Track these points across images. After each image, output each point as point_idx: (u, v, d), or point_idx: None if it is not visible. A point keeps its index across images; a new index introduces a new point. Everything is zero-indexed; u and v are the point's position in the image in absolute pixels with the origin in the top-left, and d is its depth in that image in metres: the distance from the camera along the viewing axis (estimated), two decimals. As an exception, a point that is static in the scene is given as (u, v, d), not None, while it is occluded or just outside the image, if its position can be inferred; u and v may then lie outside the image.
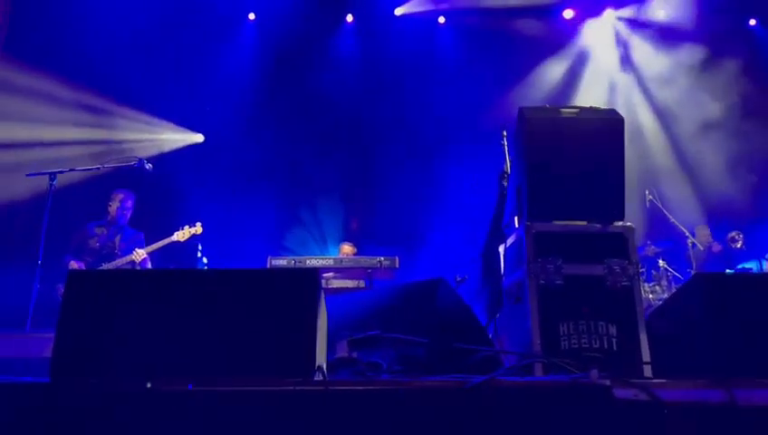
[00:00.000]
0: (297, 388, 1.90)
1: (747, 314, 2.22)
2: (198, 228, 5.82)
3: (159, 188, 6.79)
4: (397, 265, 5.90)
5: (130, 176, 5.66)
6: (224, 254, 7.22)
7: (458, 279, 6.00)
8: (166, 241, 5.70)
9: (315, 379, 1.98)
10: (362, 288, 5.74)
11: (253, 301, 2.04)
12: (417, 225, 7.87)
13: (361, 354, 2.47)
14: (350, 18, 9.02)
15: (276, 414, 1.88)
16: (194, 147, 7.89)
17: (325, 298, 3.43)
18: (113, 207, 5.73)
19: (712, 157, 8.25)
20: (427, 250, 7.66)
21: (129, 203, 5.79)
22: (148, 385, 1.88)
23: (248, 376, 1.97)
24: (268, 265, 5.73)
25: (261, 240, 7.59)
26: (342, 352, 2.50)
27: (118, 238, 5.68)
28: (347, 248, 7.39)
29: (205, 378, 1.94)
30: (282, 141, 8.31)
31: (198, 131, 8.33)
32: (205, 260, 6.13)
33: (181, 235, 5.71)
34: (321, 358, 2.18)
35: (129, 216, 5.81)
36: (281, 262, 5.47)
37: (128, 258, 5.52)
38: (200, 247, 6.02)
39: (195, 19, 8.04)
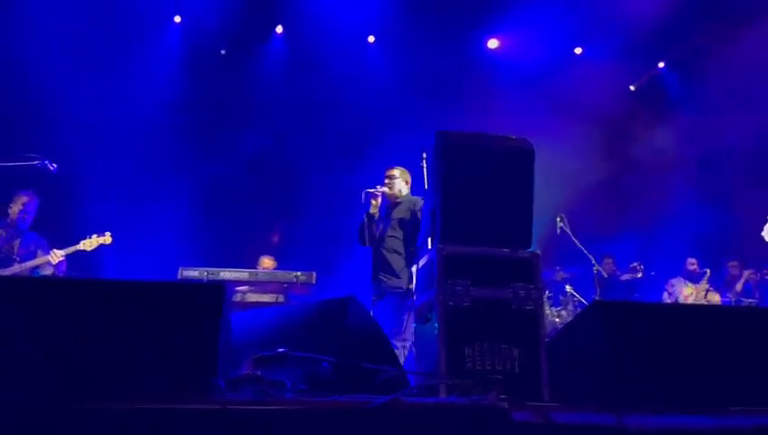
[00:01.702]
0: (194, 406, 1.83)
1: (641, 342, 2.33)
2: (108, 238, 5.56)
3: (64, 190, 6.44)
4: (314, 281, 5.85)
5: (32, 176, 5.32)
6: (133, 262, 6.93)
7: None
8: (72, 249, 5.41)
9: (214, 397, 1.92)
10: (281, 303, 5.66)
11: (153, 314, 1.95)
12: (339, 240, 7.83)
13: (266, 372, 2.41)
14: (279, 29, 8.96)
15: (172, 433, 1.80)
16: (106, 149, 7.54)
17: (237, 313, 3.35)
18: (14, 209, 5.37)
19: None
20: (347, 266, 7.64)
21: (33, 206, 5.44)
22: (37, 401, 1.76)
23: (144, 393, 1.88)
24: (179, 276, 5.55)
25: (174, 249, 7.33)
26: (247, 369, 2.44)
27: (17, 243, 5.32)
28: (267, 262, 7.26)
29: (99, 394, 1.84)
30: (204, 149, 8.11)
31: (117, 132, 8.00)
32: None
33: (88, 244, 5.44)
34: (223, 376, 2.11)
35: (30, 220, 5.47)
36: (192, 273, 5.30)
37: (42, 259, 5.22)
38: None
39: (116, 18, 7.76)
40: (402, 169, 5.34)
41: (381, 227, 5.13)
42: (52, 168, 5.12)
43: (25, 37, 7.07)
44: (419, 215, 4.88)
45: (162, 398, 1.85)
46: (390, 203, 5.24)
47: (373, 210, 5.12)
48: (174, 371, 1.92)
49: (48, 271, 5.25)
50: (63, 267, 5.32)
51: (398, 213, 5.10)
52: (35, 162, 5.09)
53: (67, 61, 7.31)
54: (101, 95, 7.61)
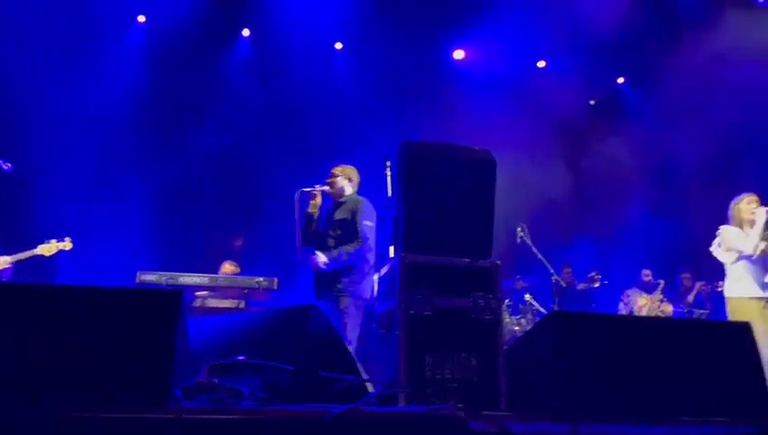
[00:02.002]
0: (149, 415, 1.80)
1: (596, 352, 2.39)
2: (68, 244, 5.42)
3: (18, 191, 6.25)
4: (275, 287, 5.81)
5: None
6: (90, 265, 6.76)
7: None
8: (28, 253, 5.24)
9: (169, 406, 1.89)
10: (242, 309, 5.59)
11: (108, 321, 1.91)
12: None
13: (223, 381, 2.38)
14: (246, 33, 8.90)
15: (125, 443, 1.76)
16: (64, 149, 7.35)
17: (195, 320, 3.30)
18: None
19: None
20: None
21: None
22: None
23: (99, 402, 1.84)
24: (137, 280, 5.44)
25: (134, 252, 7.19)
26: (203, 377, 2.41)
27: None
28: (228, 267, 7.16)
29: (50, 403, 1.79)
30: (166, 151, 7.98)
31: (77, 132, 7.82)
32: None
33: (47, 249, 5.28)
34: (179, 384, 2.08)
35: None
36: (151, 277, 5.20)
37: None
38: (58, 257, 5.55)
39: (78, 17, 7.59)
40: (345, 166, 5.14)
41: (323, 227, 4.96)
42: (5, 167, 4.97)
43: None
44: (359, 217, 4.70)
45: (117, 407, 1.82)
46: (334, 202, 5.04)
47: (312, 210, 4.96)
48: (129, 379, 1.88)
49: None
50: (9, 274, 5.13)
51: (339, 213, 4.90)
52: (-12, 162, 4.94)
53: (26, 59, 7.13)
54: (61, 94, 7.42)
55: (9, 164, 5.01)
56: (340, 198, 4.98)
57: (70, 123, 7.47)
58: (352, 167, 5.14)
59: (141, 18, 8.39)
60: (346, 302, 4.60)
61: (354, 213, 4.78)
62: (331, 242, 4.79)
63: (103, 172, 7.58)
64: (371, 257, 4.82)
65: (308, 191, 4.92)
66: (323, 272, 4.72)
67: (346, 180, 5.02)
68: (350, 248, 4.65)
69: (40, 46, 7.32)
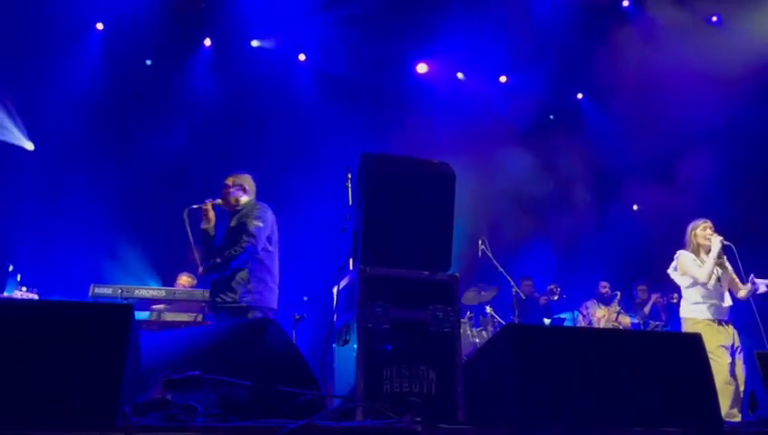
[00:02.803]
0: (97, 434, 1.74)
1: (550, 364, 2.41)
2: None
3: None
4: (236, 300, 5.71)
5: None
6: (44, 278, 6.55)
7: (297, 317, 5.95)
8: None
9: (118, 424, 1.83)
10: (199, 323, 5.48)
11: (56, 337, 1.84)
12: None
13: (177, 396, 2.32)
14: (207, 42, 8.82)
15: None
16: (18, 157, 7.13)
17: (149, 334, 3.22)
18: None
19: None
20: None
21: None
22: None
23: (42, 422, 1.77)
24: (90, 294, 5.28)
25: (88, 265, 7.00)
26: (157, 393, 2.34)
27: None
28: (185, 279, 7.01)
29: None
30: (123, 160, 7.80)
31: (32, 140, 7.62)
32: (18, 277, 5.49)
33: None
34: (129, 401, 2.02)
35: None
36: (105, 290, 5.05)
37: None
38: (11, 267, 5.37)
39: (37, 23, 7.41)
40: (238, 175, 4.90)
41: (220, 240, 4.70)
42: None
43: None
44: (249, 219, 4.50)
45: (64, 425, 1.75)
46: (231, 212, 4.78)
47: (205, 226, 4.70)
48: (77, 396, 1.81)
49: None
50: None
51: (234, 222, 4.65)
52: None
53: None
54: (17, 102, 7.23)
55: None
56: (236, 207, 4.76)
57: (22, 130, 7.26)
58: (246, 175, 4.94)
59: (99, 26, 8.24)
60: (251, 314, 4.38)
61: (246, 217, 4.57)
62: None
63: (58, 182, 7.37)
64: (272, 264, 4.64)
65: (197, 208, 4.71)
66: (216, 284, 4.53)
67: (240, 190, 4.80)
68: (233, 251, 4.43)
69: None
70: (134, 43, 8.09)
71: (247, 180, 4.89)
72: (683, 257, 5.27)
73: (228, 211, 4.79)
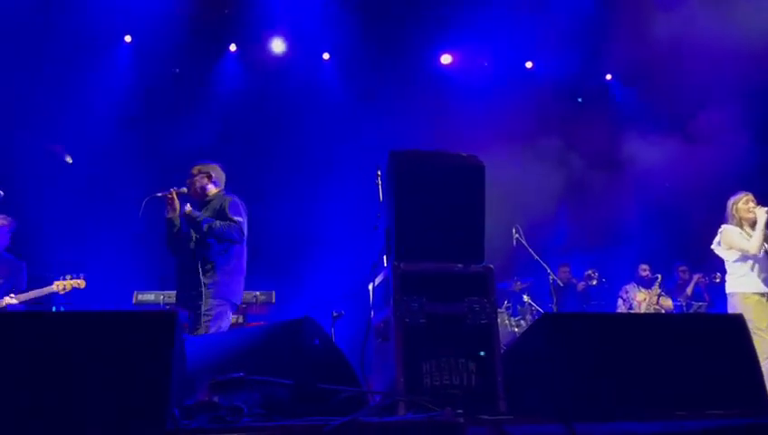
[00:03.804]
0: (148, 437, 1.81)
1: (589, 351, 2.40)
2: (82, 282, 5.32)
3: (11, 215, 6.25)
4: (273, 300, 5.83)
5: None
6: (89, 286, 6.75)
7: (335, 314, 6.00)
8: (44, 291, 5.15)
9: (168, 427, 1.89)
10: (240, 324, 5.60)
11: (104, 346, 1.92)
12: (297, 259, 7.81)
13: (223, 398, 2.39)
14: (233, 47, 8.94)
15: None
16: (56, 170, 7.36)
17: (192, 338, 3.31)
18: None
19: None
20: (305, 284, 7.62)
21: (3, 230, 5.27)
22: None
23: (97, 428, 1.84)
24: (134, 301, 5.45)
25: (130, 272, 7.18)
26: (203, 395, 2.41)
27: None
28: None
29: (45, 430, 1.80)
30: (158, 168, 7.96)
31: (67, 151, 7.85)
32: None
33: (61, 286, 5.17)
34: (178, 404, 2.09)
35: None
36: (148, 297, 5.22)
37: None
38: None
39: (68, 36, 7.62)
40: (205, 164, 4.76)
41: (186, 230, 4.54)
42: (-2, 194, 4.96)
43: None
44: (227, 213, 4.39)
45: (117, 430, 1.83)
46: (200, 203, 4.65)
47: (170, 215, 4.54)
48: (128, 402, 1.89)
49: None
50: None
51: (205, 213, 4.51)
52: (-22, 189, 4.92)
53: (16, 84, 7.14)
54: (50, 117, 7.45)
55: (1, 192, 5.00)
56: (205, 198, 4.64)
57: (58, 144, 7.48)
58: (214, 164, 4.80)
59: (128, 38, 8.43)
60: (210, 303, 4.25)
61: (221, 211, 4.44)
62: (191, 245, 4.45)
63: (95, 192, 7.57)
64: (244, 261, 4.56)
65: (161, 196, 4.54)
66: (187, 273, 4.40)
67: (206, 178, 4.66)
68: (221, 223, 4.34)
69: (29, 71, 7.34)
70: (161, 54, 8.24)
71: (215, 169, 4.74)
72: (728, 231, 5.18)
73: (194, 201, 4.65)
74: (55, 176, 7.28)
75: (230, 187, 8.27)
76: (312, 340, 2.67)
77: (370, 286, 3.22)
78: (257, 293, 5.70)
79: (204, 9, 8.32)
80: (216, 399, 2.42)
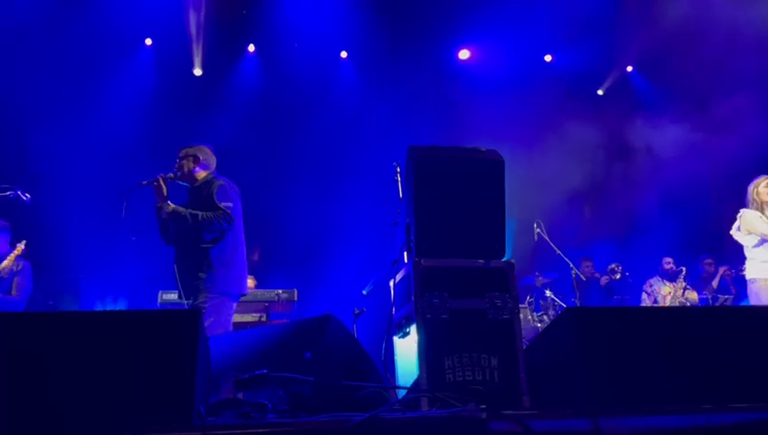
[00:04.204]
0: (173, 434, 1.84)
1: (613, 346, 2.38)
2: (20, 248, 5.21)
3: (38, 219, 6.38)
4: (295, 298, 5.87)
5: (6, 207, 5.24)
6: (112, 285, 6.87)
7: (356, 311, 6.02)
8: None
9: (194, 423, 1.92)
10: (264, 322, 5.65)
11: (127, 344, 1.95)
12: (318, 256, 7.86)
13: (247, 395, 2.42)
14: (251, 48, 9.00)
15: (154, 462, 1.80)
16: (79, 173, 7.48)
17: (216, 336, 3.34)
18: None
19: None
20: (327, 282, 7.66)
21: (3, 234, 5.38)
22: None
23: (124, 424, 1.88)
24: (159, 300, 5.53)
25: (154, 271, 7.28)
26: (228, 393, 2.45)
27: None
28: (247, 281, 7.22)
29: (74, 428, 1.84)
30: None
31: (91, 155, 7.98)
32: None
33: (5, 264, 5.22)
34: (202, 401, 2.12)
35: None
36: (172, 296, 5.28)
37: None
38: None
39: (90, 40, 7.75)
40: (192, 146, 4.50)
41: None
42: (24, 198, 5.06)
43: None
44: (214, 198, 4.16)
45: (145, 427, 1.86)
46: (190, 189, 4.45)
47: (160, 203, 4.31)
48: (155, 399, 1.92)
49: None
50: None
51: (195, 200, 4.33)
52: (8, 193, 5.02)
53: (39, 88, 7.27)
54: (74, 121, 7.57)
55: (28, 195, 5.10)
56: (195, 183, 4.41)
57: (82, 147, 7.60)
58: (202, 146, 4.55)
59: (148, 41, 8.53)
60: (203, 296, 4.09)
61: (209, 196, 4.21)
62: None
63: (119, 193, 7.67)
64: (243, 247, 4.35)
65: (147, 184, 4.32)
66: (183, 266, 4.20)
67: (192, 162, 4.40)
68: (206, 214, 4.11)
69: (52, 75, 7.46)
70: (181, 56, 8.33)
71: (203, 151, 4.49)
72: (747, 215, 5.10)
73: (185, 189, 4.49)
74: (79, 178, 7.39)
75: (251, 186, 8.35)
76: (333, 336, 2.69)
77: (391, 283, 3.22)
78: (279, 291, 5.74)
79: (222, 11, 8.39)
80: (240, 396, 2.45)
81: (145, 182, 4.30)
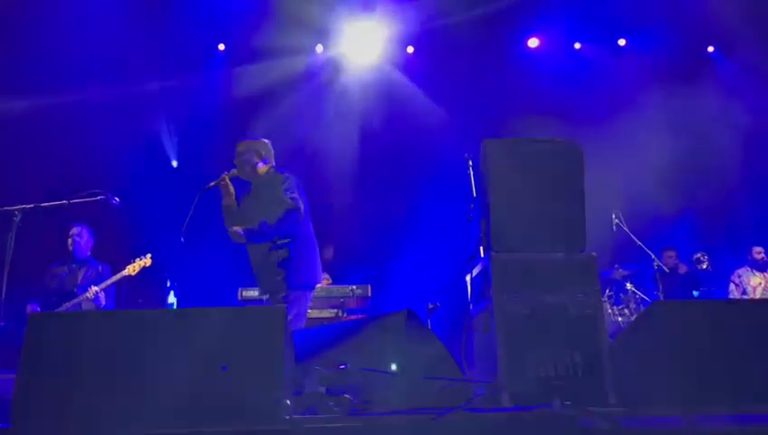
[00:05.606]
0: (263, 427, 1.90)
1: (704, 341, 2.28)
2: (148, 260, 5.50)
3: (127, 221, 6.70)
4: (369, 294, 5.91)
5: (97, 210, 5.53)
6: (195, 284, 7.12)
7: (431, 306, 6.01)
8: (117, 276, 5.47)
9: (283, 417, 1.98)
10: (340, 318, 5.73)
11: (216, 341, 2.03)
12: (391, 252, 7.89)
13: (330, 389, 2.47)
14: (319, 49, 9.10)
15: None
16: (163, 176, 7.82)
17: (298, 331, 3.43)
18: (69, 242, 5.64)
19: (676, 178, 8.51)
20: (400, 277, 7.68)
21: (83, 237, 5.66)
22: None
23: (219, 417, 1.96)
24: (239, 297, 5.71)
25: (234, 270, 7.52)
26: (311, 387, 2.50)
27: (80, 274, 5.57)
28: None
29: (165, 423, 1.93)
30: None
31: (172, 158, 8.35)
32: (171, 299, 5.97)
33: (132, 268, 5.49)
34: (289, 395, 2.18)
35: (86, 250, 5.69)
36: (252, 293, 5.44)
37: (83, 297, 5.32)
38: (168, 283, 5.87)
39: (167, 49, 8.08)
40: (250, 141, 4.43)
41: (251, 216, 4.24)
42: (114, 202, 5.31)
43: (81, 78, 7.41)
44: (280, 191, 4.08)
45: (237, 419, 1.93)
46: (253, 186, 4.37)
47: (226, 201, 4.27)
48: (246, 394, 1.99)
49: (90, 306, 5.34)
50: (101, 302, 5.41)
51: (259, 195, 4.27)
52: (99, 197, 5.28)
53: (120, 97, 7.63)
54: (157, 125, 7.93)
55: (117, 199, 5.35)
56: (257, 178, 4.34)
57: (165, 153, 7.94)
58: (260, 140, 4.46)
59: (221, 47, 8.79)
60: (285, 291, 4.05)
61: (276, 189, 4.13)
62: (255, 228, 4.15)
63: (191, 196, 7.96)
64: (309, 238, 4.26)
65: (215, 185, 4.26)
66: (260, 264, 4.17)
67: (254, 156, 4.31)
68: (272, 218, 4.04)
69: (131, 84, 7.81)
70: (253, 59, 8.53)
71: (262, 146, 4.41)
72: None
73: (247, 183, 4.39)
74: (160, 182, 7.72)
75: (324, 183, 8.48)
76: (413, 331, 2.70)
77: (468, 278, 3.20)
78: (353, 287, 5.79)
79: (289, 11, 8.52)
80: (323, 390, 2.50)
81: (212, 184, 4.25)
